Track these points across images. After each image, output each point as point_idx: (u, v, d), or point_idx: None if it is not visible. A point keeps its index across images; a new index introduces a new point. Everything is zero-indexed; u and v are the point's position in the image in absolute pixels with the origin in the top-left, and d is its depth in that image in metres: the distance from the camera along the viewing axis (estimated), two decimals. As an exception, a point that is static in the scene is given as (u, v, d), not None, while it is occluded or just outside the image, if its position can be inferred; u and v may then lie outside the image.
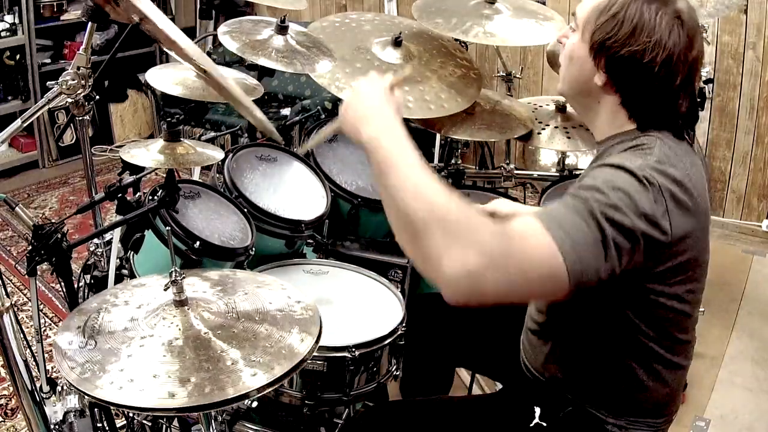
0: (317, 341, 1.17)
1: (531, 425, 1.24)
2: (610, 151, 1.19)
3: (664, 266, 1.09)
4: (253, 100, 1.40)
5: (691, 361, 1.27)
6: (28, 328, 2.16)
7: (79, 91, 1.51)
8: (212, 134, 2.82)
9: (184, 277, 1.18)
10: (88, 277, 2.03)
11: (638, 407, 1.23)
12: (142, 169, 1.68)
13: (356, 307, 1.71)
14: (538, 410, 1.28)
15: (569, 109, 2.27)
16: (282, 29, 1.97)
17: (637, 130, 1.19)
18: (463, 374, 2.18)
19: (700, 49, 1.16)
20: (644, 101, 1.17)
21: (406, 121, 2.97)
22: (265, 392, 1.06)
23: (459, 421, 1.36)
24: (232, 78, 1.84)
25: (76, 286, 1.58)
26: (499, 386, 1.88)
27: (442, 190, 1.00)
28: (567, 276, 0.98)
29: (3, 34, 3.78)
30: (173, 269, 1.17)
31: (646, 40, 1.11)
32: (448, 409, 1.43)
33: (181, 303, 1.19)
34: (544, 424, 1.26)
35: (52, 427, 1.51)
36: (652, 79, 1.13)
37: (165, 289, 1.19)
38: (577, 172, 2.36)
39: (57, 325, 2.66)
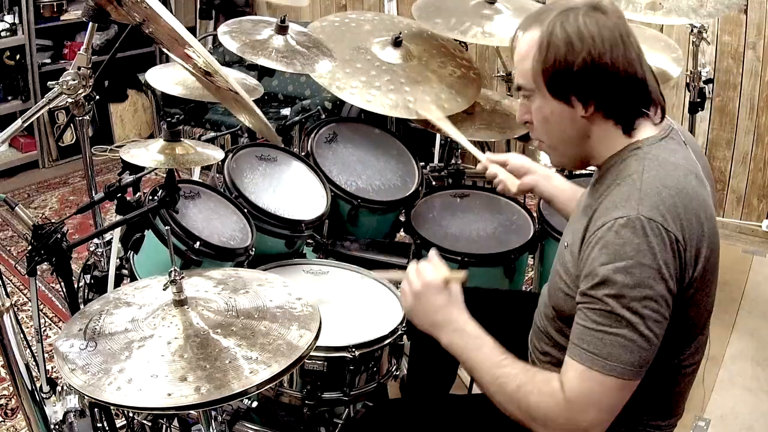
0: (317, 337, 1.17)
1: None
2: (603, 198, 1.14)
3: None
4: (253, 100, 1.40)
5: (701, 362, 1.27)
6: (28, 328, 2.17)
7: (79, 91, 1.51)
8: (212, 134, 2.82)
9: (183, 277, 1.18)
10: (88, 277, 2.03)
11: (644, 407, 1.23)
12: (142, 169, 1.67)
13: (356, 307, 1.71)
14: None
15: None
16: (282, 29, 1.97)
17: (624, 151, 1.16)
18: (464, 373, 2.18)
19: (624, 18, 1.14)
20: (620, 95, 1.14)
21: (406, 122, 2.96)
22: (263, 389, 1.06)
23: (460, 419, 1.36)
24: (232, 78, 1.84)
25: (76, 286, 1.58)
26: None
27: (508, 390, 1.12)
28: (635, 379, 1.06)
29: (3, 34, 3.78)
30: (172, 269, 1.17)
31: (587, 44, 1.09)
32: (449, 408, 1.43)
33: (180, 302, 1.19)
34: None
35: (52, 427, 1.51)
36: (614, 70, 1.11)
37: (164, 289, 1.19)
38: (577, 172, 2.35)
39: (57, 325, 2.66)
